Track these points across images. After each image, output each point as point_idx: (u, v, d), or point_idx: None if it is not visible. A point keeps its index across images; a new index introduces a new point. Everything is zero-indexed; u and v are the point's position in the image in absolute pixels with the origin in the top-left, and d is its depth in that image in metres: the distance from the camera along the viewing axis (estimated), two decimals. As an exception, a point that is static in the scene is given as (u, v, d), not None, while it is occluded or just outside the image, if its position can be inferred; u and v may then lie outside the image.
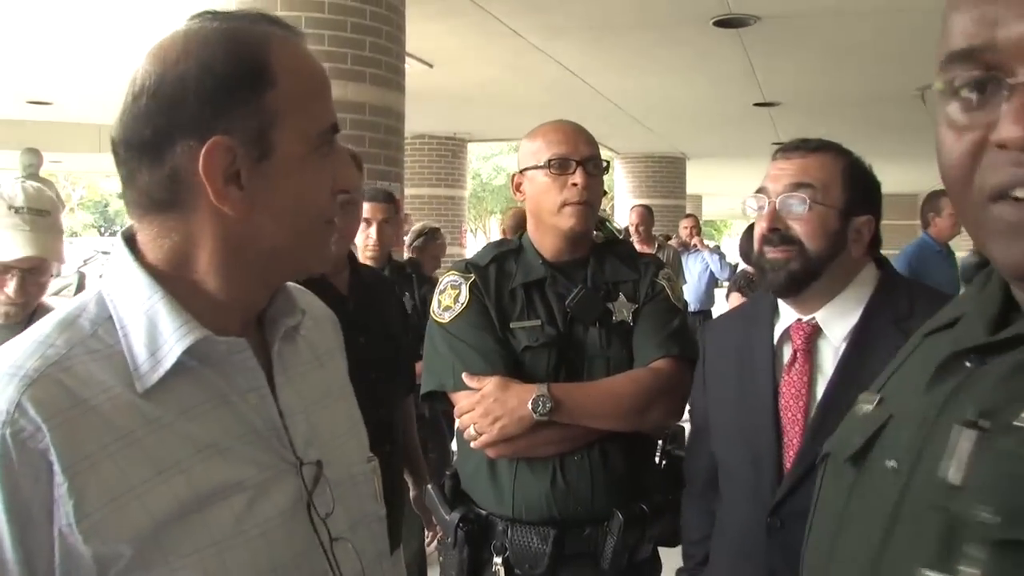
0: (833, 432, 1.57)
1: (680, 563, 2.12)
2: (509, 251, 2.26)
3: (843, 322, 1.75)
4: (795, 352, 1.77)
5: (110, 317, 0.99)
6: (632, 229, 7.87)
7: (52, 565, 0.90)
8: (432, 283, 4.71)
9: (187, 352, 0.97)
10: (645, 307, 2.19)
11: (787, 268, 1.72)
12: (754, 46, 7.56)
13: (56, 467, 0.89)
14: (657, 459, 2.29)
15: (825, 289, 1.75)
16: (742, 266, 6.44)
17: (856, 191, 1.75)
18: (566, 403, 2.02)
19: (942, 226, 5.73)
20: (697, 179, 17.50)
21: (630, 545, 2.09)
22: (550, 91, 9.55)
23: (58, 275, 11.30)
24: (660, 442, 2.29)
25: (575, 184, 2.12)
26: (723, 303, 6.57)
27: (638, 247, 6.21)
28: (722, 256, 9.49)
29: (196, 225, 1.00)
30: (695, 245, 9.33)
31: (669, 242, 8.86)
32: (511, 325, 2.15)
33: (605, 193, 2.33)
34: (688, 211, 14.40)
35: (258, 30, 1.01)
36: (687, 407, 2.15)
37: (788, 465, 1.72)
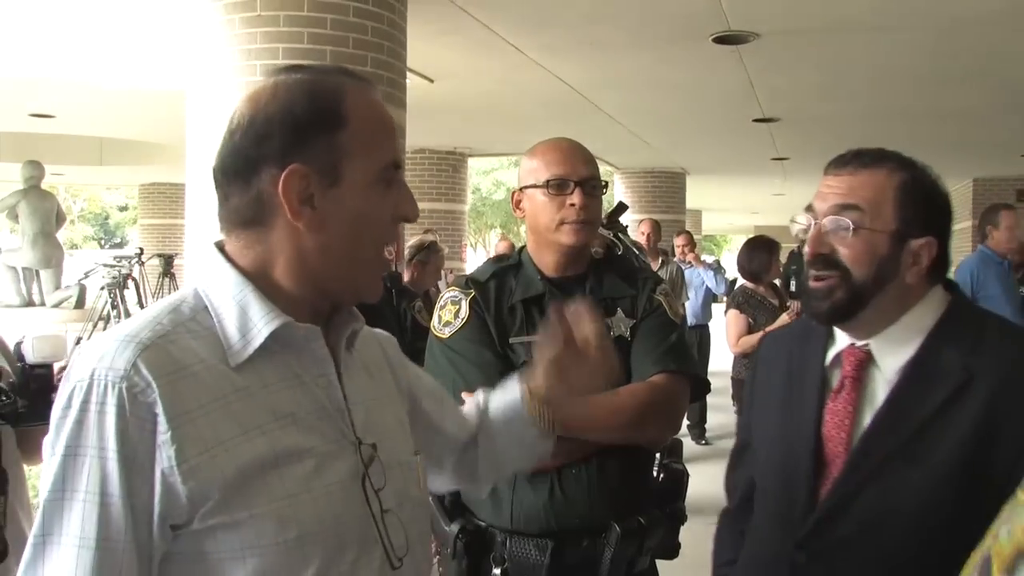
0: (874, 466, 1.52)
1: (677, 575, 2.13)
2: (509, 267, 2.29)
3: (900, 351, 1.59)
4: (843, 379, 1.64)
5: (206, 307, 1.21)
6: (644, 240, 7.92)
7: (151, 502, 1.09)
8: (412, 297, 4.79)
9: (271, 336, 1.18)
10: (643, 323, 2.22)
11: (831, 299, 1.58)
12: (753, 63, 7.59)
13: (161, 418, 1.09)
14: (655, 472, 2.31)
15: (879, 317, 1.60)
16: (741, 282, 6.44)
17: (913, 210, 1.57)
18: (565, 416, 2.04)
19: (1000, 238, 5.97)
20: (697, 194, 17.53)
21: (627, 557, 2.11)
22: (550, 106, 9.58)
23: (59, 288, 11.29)
24: (658, 455, 2.32)
25: (573, 204, 2.15)
26: (721, 318, 6.58)
27: (649, 260, 6.26)
28: (717, 271, 9.49)
29: (275, 238, 1.21)
30: (689, 262, 9.34)
31: (672, 258, 8.88)
32: (510, 340, 2.18)
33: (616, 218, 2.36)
34: (687, 226, 14.43)
35: (334, 80, 1.23)
36: (685, 421, 2.16)
37: (823, 496, 1.61)
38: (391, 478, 1.29)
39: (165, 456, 1.09)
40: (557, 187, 2.17)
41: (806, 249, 1.62)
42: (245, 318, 1.19)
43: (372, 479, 1.26)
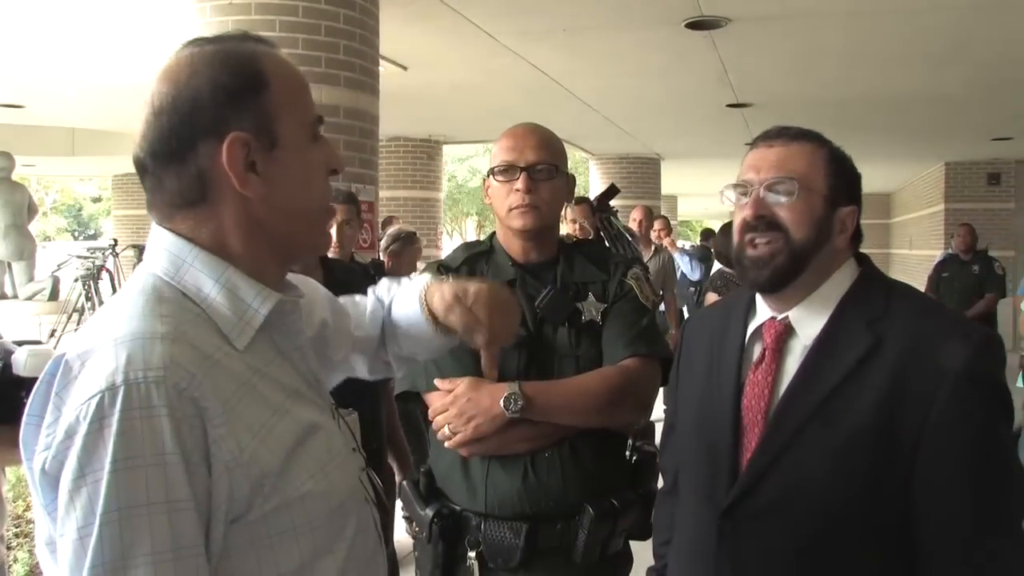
0: (790, 433, 1.59)
1: (650, 555, 2.16)
2: (481, 253, 2.30)
3: (815, 321, 1.65)
4: (764, 351, 1.69)
5: (183, 293, 1.16)
6: (636, 226, 7.91)
7: (210, 501, 1.05)
8: None
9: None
10: (614, 307, 2.24)
11: (772, 265, 1.63)
12: (726, 48, 7.62)
13: (211, 412, 1.05)
14: (628, 455, 2.33)
15: (804, 283, 1.66)
16: (717, 266, 6.46)
17: (840, 180, 1.66)
18: (537, 400, 2.06)
19: None
20: (672, 180, 17.58)
21: (601, 539, 2.13)
22: (525, 93, 9.58)
23: (32, 280, 11.18)
24: (630, 438, 2.34)
25: (518, 190, 2.18)
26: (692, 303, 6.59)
27: (641, 247, 6.27)
28: (692, 256, 9.52)
29: (224, 212, 1.18)
30: (665, 246, 9.36)
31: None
32: None
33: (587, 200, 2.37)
34: (663, 211, 14.47)
35: (247, 46, 1.21)
36: (656, 404, 2.18)
37: (744, 466, 1.65)
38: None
39: (226, 449, 1.05)
40: (503, 173, 2.21)
41: (745, 213, 1.66)
42: (236, 300, 1.17)
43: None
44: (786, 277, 1.64)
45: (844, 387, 1.56)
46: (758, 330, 1.73)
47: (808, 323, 1.66)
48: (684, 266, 9.26)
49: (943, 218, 16.37)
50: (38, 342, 2.22)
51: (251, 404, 1.11)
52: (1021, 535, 1.51)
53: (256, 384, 1.14)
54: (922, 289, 9.23)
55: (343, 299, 1.67)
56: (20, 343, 2.12)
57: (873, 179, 20.62)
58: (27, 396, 1.65)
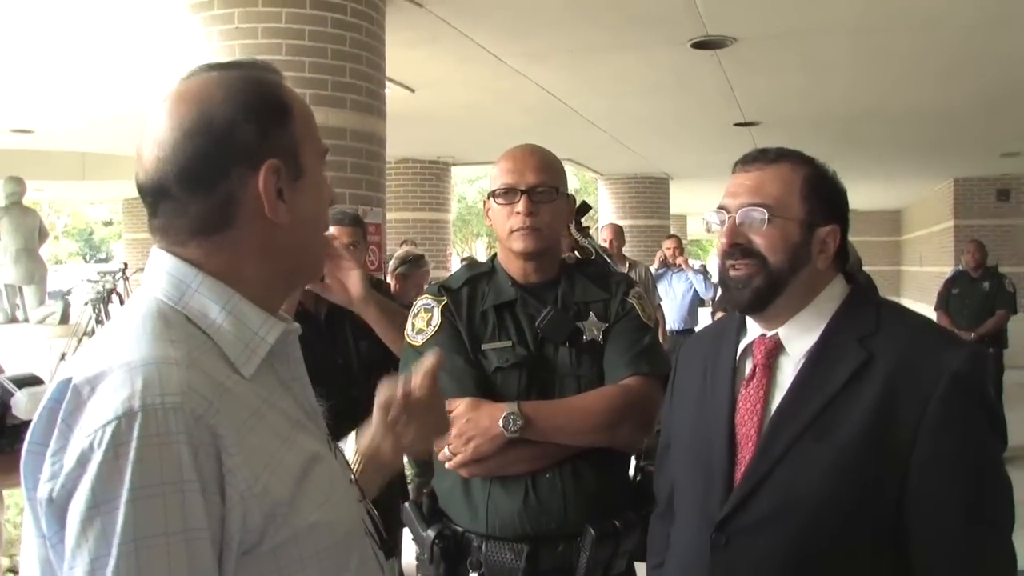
0: (783, 447, 1.61)
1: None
2: (482, 273, 2.31)
3: (805, 337, 1.68)
4: (755, 367, 1.72)
5: (187, 319, 1.13)
6: (608, 245, 7.90)
7: (223, 531, 1.02)
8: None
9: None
10: (615, 326, 2.24)
11: (751, 286, 1.67)
12: (732, 67, 7.63)
13: (226, 440, 1.03)
14: (632, 474, 2.33)
15: (789, 304, 1.69)
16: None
17: (818, 200, 1.68)
18: (536, 420, 2.06)
19: None
20: (681, 199, 17.59)
21: (603, 560, 2.12)
22: (532, 114, 9.61)
23: (43, 304, 11.20)
24: (634, 458, 2.33)
25: (519, 212, 2.18)
26: (708, 323, 6.57)
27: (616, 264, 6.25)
28: (707, 276, 9.52)
29: (244, 237, 1.17)
30: (679, 265, 9.37)
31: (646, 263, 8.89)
32: (483, 346, 2.19)
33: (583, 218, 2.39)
34: (673, 231, 14.48)
35: (267, 74, 1.22)
36: (657, 423, 2.17)
37: (738, 480, 1.67)
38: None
39: (240, 479, 1.03)
40: (504, 195, 2.22)
41: (721, 241, 1.70)
42: (242, 327, 1.15)
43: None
44: (766, 298, 1.68)
45: (837, 402, 1.59)
46: (749, 347, 1.76)
47: (797, 340, 1.69)
48: (697, 285, 9.27)
49: (953, 234, 16.31)
50: (37, 379, 2.19)
51: (261, 433, 1.09)
52: (1005, 538, 1.56)
53: (264, 413, 1.12)
54: (932, 306, 9.25)
55: None
56: (19, 382, 2.10)
57: (882, 196, 20.59)
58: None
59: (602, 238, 7.85)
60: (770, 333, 1.73)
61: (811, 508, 1.58)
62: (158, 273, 1.16)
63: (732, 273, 1.70)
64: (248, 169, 1.14)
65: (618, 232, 8.23)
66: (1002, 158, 13.52)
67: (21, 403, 2.00)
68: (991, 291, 8.71)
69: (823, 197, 1.70)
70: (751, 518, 1.63)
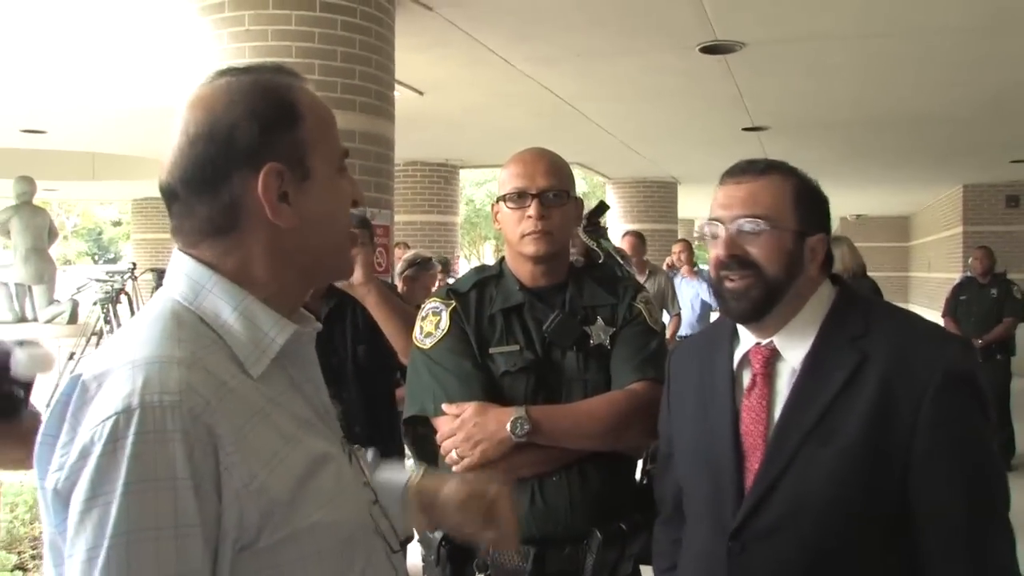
0: (789, 453, 1.63)
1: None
2: (490, 277, 2.31)
3: (800, 344, 1.72)
4: (754, 376, 1.75)
5: (200, 319, 1.16)
6: (629, 249, 7.88)
7: (219, 528, 1.04)
8: None
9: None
10: (623, 331, 2.25)
11: (749, 296, 1.69)
12: (740, 72, 7.63)
13: (223, 439, 1.05)
14: (638, 478, 2.33)
15: (783, 312, 1.72)
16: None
17: (807, 210, 1.72)
18: (544, 424, 2.07)
19: None
20: (689, 203, 17.57)
21: (610, 563, 2.13)
22: (540, 117, 9.61)
23: (52, 303, 11.24)
24: (641, 461, 2.34)
25: (530, 216, 2.19)
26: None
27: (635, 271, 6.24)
28: (711, 282, 9.43)
29: (253, 241, 1.19)
30: (683, 272, 9.33)
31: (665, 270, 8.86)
32: (490, 350, 2.20)
33: (597, 221, 2.40)
34: (681, 235, 14.45)
35: (281, 79, 1.23)
36: None
37: (748, 488, 1.70)
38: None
39: (237, 477, 1.05)
40: (515, 200, 2.22)
41: (718, 253, 1.72)
42: (253, 328, 1.18)
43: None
44: (764, 308, 1.71)
45: (836, 405, 1.63)
46: (745, 356, 1.79)
47: (793, 346, 1.73)
48: (702, 292, 9.23)
49: (961, 241, 16.28)
50: (38, 344, 2.22)
51: (263, 433, 1.11)
52: (1005, 519, 1.61)
53: (269, 413, 1.14)
54: (940, 312, 9.23)
55: None
56: (20, 343, 2.12)
57: (891, 202, 20.57)
58: (26, 393, 1.65)
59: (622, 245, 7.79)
60: (764, 341, 1.76)
61: (820, 511, 1.62)
62: (177, 275, 1.20)
63: (728, 284, 1.72)
64: (250, 172, 1.16)
65: (636, 243, 8.16)
66: (1011, 164, 13.50)
67: (21, 360, 2.01)
68: (999, 298, 8.68)
69: (811, 207, 1.74)
70: (764, 525, 1.67)
